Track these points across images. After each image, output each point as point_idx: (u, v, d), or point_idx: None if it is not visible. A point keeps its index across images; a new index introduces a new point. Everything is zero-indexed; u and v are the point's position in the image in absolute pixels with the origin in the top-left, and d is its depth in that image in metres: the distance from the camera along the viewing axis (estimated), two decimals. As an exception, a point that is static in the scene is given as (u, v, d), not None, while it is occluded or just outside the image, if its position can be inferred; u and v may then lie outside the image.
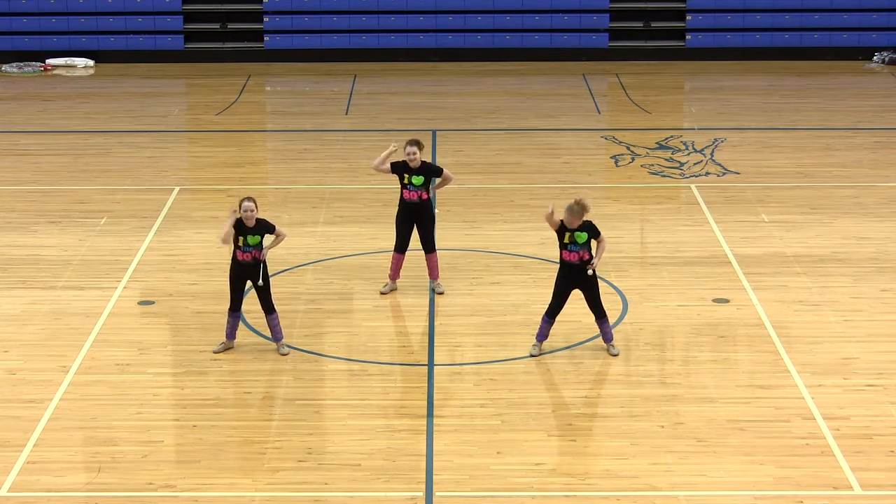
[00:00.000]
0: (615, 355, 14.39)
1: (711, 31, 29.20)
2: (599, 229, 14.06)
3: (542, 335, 14.47)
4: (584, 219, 13.96)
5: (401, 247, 15.94)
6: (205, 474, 12.16)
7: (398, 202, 15.81)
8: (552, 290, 14.31)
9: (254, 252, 14.26)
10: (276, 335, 14.59)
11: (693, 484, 12.01)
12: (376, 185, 20.28)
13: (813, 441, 12.68)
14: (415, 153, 15.50)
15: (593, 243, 14.10)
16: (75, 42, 29.01)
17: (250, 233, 14.21)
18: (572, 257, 14.01)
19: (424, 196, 15.67)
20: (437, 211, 16.86)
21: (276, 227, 14.36)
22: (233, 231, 14.18)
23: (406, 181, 15.62)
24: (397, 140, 16.28)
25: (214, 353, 14.52)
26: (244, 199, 14.23)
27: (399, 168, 15.63)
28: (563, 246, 14.05)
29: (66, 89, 27.30)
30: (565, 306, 14.29)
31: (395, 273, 16.12)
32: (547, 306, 14.38)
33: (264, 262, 14.32)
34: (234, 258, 14.34)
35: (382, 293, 16.09)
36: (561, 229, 14.02)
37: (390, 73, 28.24)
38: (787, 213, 19.00)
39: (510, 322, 15.37)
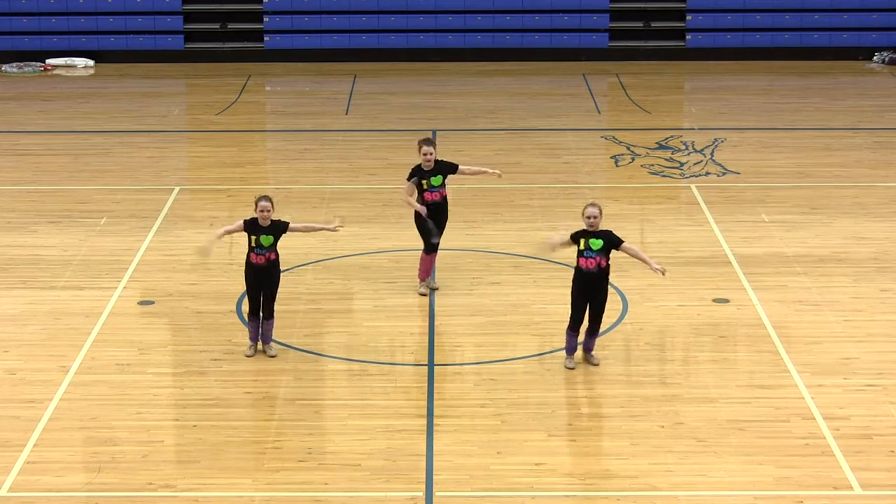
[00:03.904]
0: (596, 364, 14.24)
1: (711, 31, 29.19)
2: (620, 237, 13.89)
3: (571, 349, 14.22)
4: (602, 228, 13.85)
5: (431, 247, 15.87)
6: (205, 474, 12.16)
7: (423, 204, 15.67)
8: (570, 303, 14.04)
9: (268, 254, 13.97)
10: (264, 338, 14.42)
11: (693, 484, 12.01)
12: (376, 185, 20.30)
13: (813, 441, 12.68)
14: (431, 153, 15.46)
15: (614, 253, 13.94)
16: (75, 42, 29.00)
17: (264, 233, 13.88)
18: (589, 264, 13.74)
19: (444, 193, 15.66)
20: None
21: (290, 224, 14.04)
22: (217, 242, 13.83)
23: (426, 186, 15.56)
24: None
25: (246, 356, 14.43)
26: (261, 198, 13.81)
27: (418, 176, 15.52)
28: (579, 253, 13.88)
29: (66, 89, 27.29)
30: (566, 308, 14.26)
31: (424, 273, 16.05)
32: (569, 320, 14.13)
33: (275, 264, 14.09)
34: (248, 261, 14.06)
35: (421, 294, 16.05)
36: (576, 237, 13.92)
37: (390, 73, 28.23)
38: (787, 213, 18.99)
39: (510, 322, 15.36)
